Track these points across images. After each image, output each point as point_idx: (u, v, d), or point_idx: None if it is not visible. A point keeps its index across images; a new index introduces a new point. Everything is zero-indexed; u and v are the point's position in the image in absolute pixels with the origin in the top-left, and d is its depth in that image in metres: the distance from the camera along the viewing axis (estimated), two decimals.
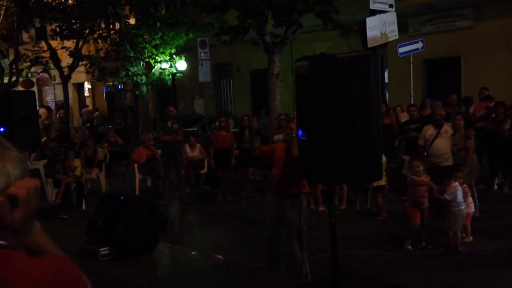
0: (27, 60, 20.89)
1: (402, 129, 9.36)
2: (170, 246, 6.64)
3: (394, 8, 11.41)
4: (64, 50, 19.02)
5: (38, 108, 15.47)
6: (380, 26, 11.18)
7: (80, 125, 21.49)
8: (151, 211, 6.27)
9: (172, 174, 10.06)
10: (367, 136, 3.52)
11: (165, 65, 17.24)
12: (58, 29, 19.00)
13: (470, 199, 6.57)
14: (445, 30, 13.83)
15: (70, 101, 23.19)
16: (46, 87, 28.83)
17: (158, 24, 16.28)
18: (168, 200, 9.66)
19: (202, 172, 10.38)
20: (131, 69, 16.84)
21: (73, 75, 20.49)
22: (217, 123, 10.42)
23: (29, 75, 22.71)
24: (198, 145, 10.35)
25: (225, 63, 19.61)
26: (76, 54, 19.12)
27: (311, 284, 5.17)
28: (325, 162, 3.57)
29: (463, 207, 6.17)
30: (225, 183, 9.78)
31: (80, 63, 19.55)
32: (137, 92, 17.78)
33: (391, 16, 11.37)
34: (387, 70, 12.27)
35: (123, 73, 17.14)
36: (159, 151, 10.16)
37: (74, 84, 25.94)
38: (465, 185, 6.47)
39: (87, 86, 26.55)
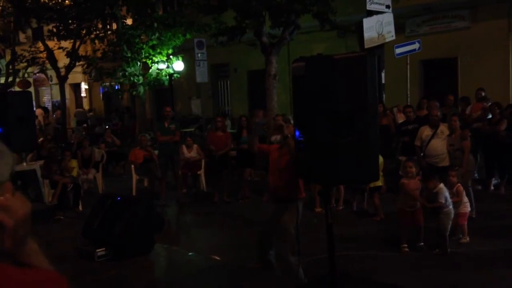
0: (24, 61, 20.85)
1: (399, 130, 9.38)
2: (167, 247, 6.63)
3: (391, 9, 11.42)
4: (61, 50, 19.00)
5: (34, 109, 15.43)
6: (377, 27, 11.20)
7: (77, 126, 21.45)
8: (148, 211, 6.26)
9: (169, 175, 10.05)
10: (364, 137, 3.52)
11: (162, 66, 17.24)
12: (55, 30, 18.99)
13: (466, 199, 6.60)
14: (442, 31, 13.86)
15: (67, 101, 23.16)
16: (43, 88, 28.77)
17: (155, 24, 16.27)
18: (165, 201, 9.64)
19: (199, 172, 10.38)
20: (128, 69, 16.83)
21: (70, 76, 20.48)
22: (213, 124, 10.44)
23: (26, 75, 22.67)
24: (195, 146, 10.34)
25: (222, 64, 19.60)
26: (73, 55, 19.10)
27: (308, 285, 5.16)
28: (322, 162, 3.57)
29: (451, 205, 6.23)
30: (222, 184, 9.79)
31: (77, 63, 19.54)
32: (134, 93, 17.76)
33: (388, 17, 11.39)
34: (384, 70, 12.29)
35: (120, 73, 17.12)
36: (156, 152, 10.15)
37: (71, 85, 25.90)
38: (459, 184, 6.50)
39: (84, 86, 26.51)
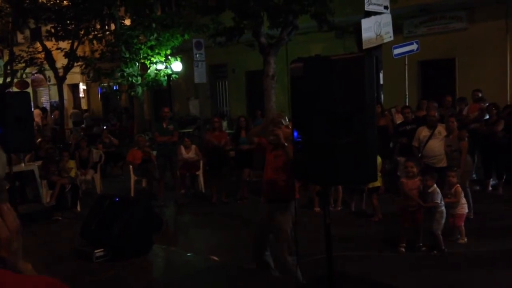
0: (22, 61, 20.81)
1: (397, 130, 9.39)
2: (165, 248, 6.62)
3: (389, 9, 11.44)
4: (59, 51, 18.98)
5: (32, 109, 15.41)
6: (375, 28, 11.21)
7: (75, 127, 21.44)
8: (146, 212, 6.26)
9: (167, 175, 10.05)
10: (362, 138, 3.53)
11: (160, 66, 17.24)
12: (53, 30, 18.97)
13: (464, 200, 6.61)
14: (440, 32, 13.89)
15: (65, 102, 23.13)
16: (41, 88, 28.74)
17: (154, 25, 16.27)
18: (163, 201, 9.65)
19: (197, 173, 10.38)
20: (126, 70, 16.82)
21: (68, 76, 20.44)
22: (210, 124, 10.48)
23: (24, 76, 22.62)
24: (193, 146, 10.34)
25: (220, 64, 19.61)
26: (71, 55, 19.08)
27: (306, 285, 5.17)
28: (320, 163, 3.58)
29: (444, 205, 6.29)
30: (220, 184, 9.80)
31: (75, 64, 19.51)
32: (132, 93, 17.75)
33: (386, 18, 11.40)
34: (382, 71, 12.31)
35: (118, 74, 17.12)
36: (154, 152, 10.15)
37: (69, 85, 25.88)
38: (458, 185, 6.52)
39: (82, 87, 26.49)
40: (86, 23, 18.49)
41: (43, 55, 20.14)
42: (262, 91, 12.52)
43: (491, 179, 9.23)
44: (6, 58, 22.13)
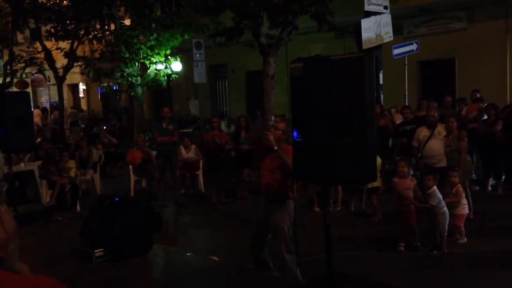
0: (21, 61, 20.83)
1: (397, 130, 9.39)
2: (165, 248, 6.62)
3: (389, 10, 11.44)
4: (59, 51, 18.99)
5: (32, 109, 15.40)
6: (375, 28, 11.22)
7: (73, 127, 21.43)
8: (146, 212, 6.26)
9: (167, 175, 10.05)
10: (361, 138, 3.53)
11: (160, 66, 17.23)
12: (53, 30, 18.97)
13: (464, 201, 6.62)
14: (440, 32, 13.90)
15: (65, 102, 23.14)
16: (41, 88, 28.75)
17: (153, 25, 16.27)
18: (163, 201, 9.65)
19: (197, 173, 10.38)
20: (126, 70, 16.81)
21: (68, 76, 20.46)
22: (209, 124, 10.50)
23: (24, 76, 22.64)
24: (193, 146, 10.35)
25: (220, 65, 19.61)
26: (71, 55, 19.09)
27: (306, 285, 5.17)
28: (320, 163, 3.58)
29: (445, 206, 6.28)
30: (220, 184, 9.80)
31: (75, 64, 19.52)
32: (132, 93, 17.75)
33: (386, 18, 11.41)
34: (382, 71, 12.31)
35: (118, 74, 17.11)
36: (154, 152, 10.15)
37: (69, 85, 25.88)
38: (459, 185, 6.52)
39: (82, 87, 26.49)
40: (86, 23, 18.50)
41: (43, 55, 20.14)
42: (262, 91, 12.53)
43: (491, 179, 9.23)
44: (6, 58, 22.14)
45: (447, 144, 7.73)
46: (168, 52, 17.00)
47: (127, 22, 18.18)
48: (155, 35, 16.43)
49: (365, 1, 10.91)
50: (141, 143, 10.28)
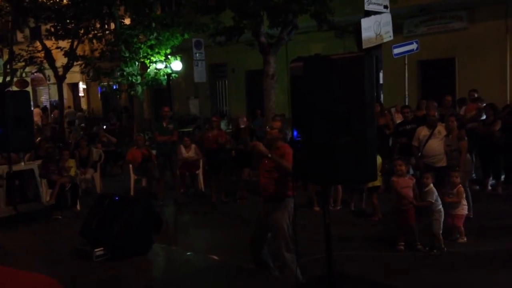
0: (21, 60, 20.83)
1: (397, 130, 9.39)
2: (165, 247, 6.62)
3: (389, 9, 11.44)
4: (58, 50, 18.98)
5: (32, 108, 15.42)
6: (375, 27, 11.21)
7: (75, 126, 21.43)
8: (146, 211, 6.25)
9: (167, 175, 10.05)
10: (361, 137, 3.53)
11: (160, 66, 17.23)
12: (52, 29, 18.97)
13: (464, 201, 6.62)
14: (440, 31, 13.90)
15: (65, 101, 23.13)
16: (41, 87, 28.75)
17: (153, 24, 16.27)
18: (163, 201, 9.66)
19: (197, 172, 10.39)
20: (126, 69, 16.81)
21: (67, 75, 20.45)
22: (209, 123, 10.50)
23: (24, 75, 22.64)
24: (193, 146, 10.35)
25: (220, 64, 19.62)
26: (71, 54, 19.08)
27: (306, 285, 5.17)
28: (320, 163, 3.58)
29: (441, 205, 6.30)
30: (220, 184, 9.80)
31: (75, 63, 19.51)
32: (132, 93, 17.75)
33: (386, 17, 11.41)
34: (382, 71, 12.31)
35: (118, 73, 17.11)
36: (154, 152, 10.15)
37: (68, 84, 25.89)
38: (460, 185, 6.52)
39: (82, 86, 26.49)
40: (86, 22, 18.49)
41: (42, 54, 20.14)
42: (262, 91, 12.54)
43: (490, 179, 9.24)
44: (5, 57, 22.13)
45: (447, 143, 7.73)
46: (168, 51, 17.00)
47: (127, 21, 18.18)
48: (155, 34, 16.43)
49: (365, 1, 10.91)
50: (141, 142, 10.28)
